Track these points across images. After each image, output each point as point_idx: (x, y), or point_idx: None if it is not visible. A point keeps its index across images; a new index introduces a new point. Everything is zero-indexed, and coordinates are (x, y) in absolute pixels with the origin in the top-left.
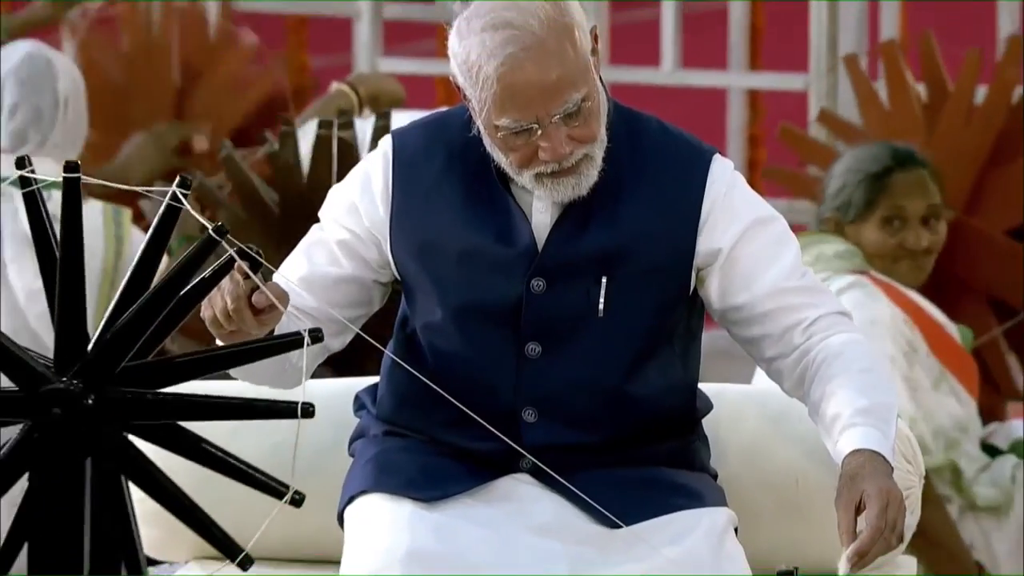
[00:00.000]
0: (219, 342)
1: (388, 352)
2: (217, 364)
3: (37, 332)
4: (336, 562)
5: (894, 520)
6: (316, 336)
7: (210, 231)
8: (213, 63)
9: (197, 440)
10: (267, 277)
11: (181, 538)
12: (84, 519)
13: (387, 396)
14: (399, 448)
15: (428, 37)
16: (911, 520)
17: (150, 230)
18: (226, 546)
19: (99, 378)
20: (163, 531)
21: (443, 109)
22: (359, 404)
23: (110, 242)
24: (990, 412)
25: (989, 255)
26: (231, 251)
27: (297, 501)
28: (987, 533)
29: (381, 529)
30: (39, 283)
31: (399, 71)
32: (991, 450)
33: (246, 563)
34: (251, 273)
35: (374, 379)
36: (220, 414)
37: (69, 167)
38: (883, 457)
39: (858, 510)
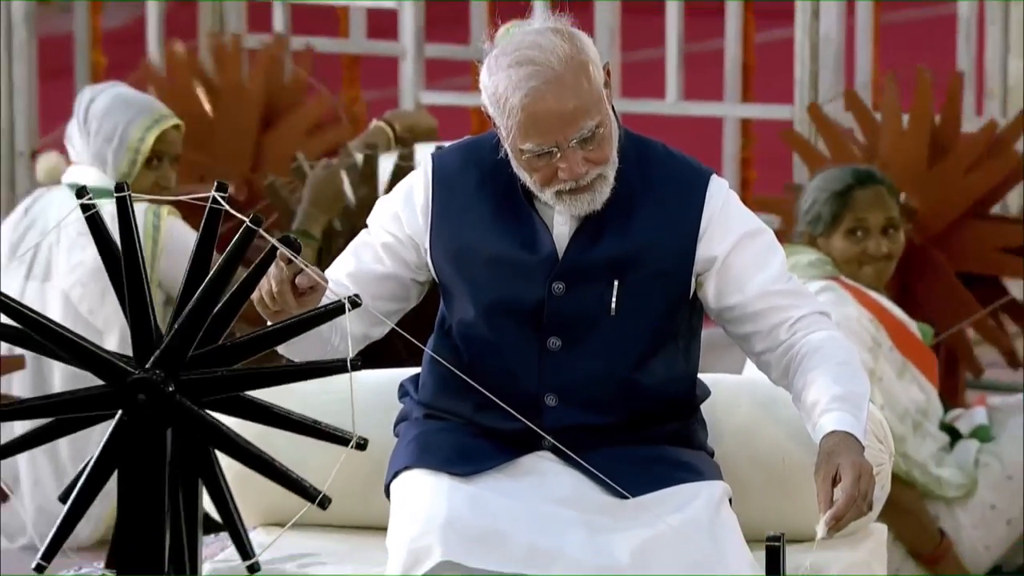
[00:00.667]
0: (269, 323)
1: (427, 349)
2: (270, 341)
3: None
4: (383, 528)
5: (866, 490)
6: (355, 301)
7: (247, 223)
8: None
9: (266, 406)
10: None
11: (249, 505)
12: (164, 491)
13: (427, 384)
14: (437, 429)
15: (463, 74)
16: (880, 493)
17: (199, 232)
18: (305, 490)
19: (174, 365)
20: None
21: (476, 135)
22: (403, 391)
23: (148, 231)
24: (951, 397)
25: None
26: (273, 240)
27: (361, 445)
28: (952, 507)
29: (422, 500)
30: None
31: (438, 103)
32: (953, 432)
33: (325, 502)
34: (294, 257)
35: (416, 370)
36: (281, 380)
37: (118, 187)
38: (856, 437)
39: (834, 482)
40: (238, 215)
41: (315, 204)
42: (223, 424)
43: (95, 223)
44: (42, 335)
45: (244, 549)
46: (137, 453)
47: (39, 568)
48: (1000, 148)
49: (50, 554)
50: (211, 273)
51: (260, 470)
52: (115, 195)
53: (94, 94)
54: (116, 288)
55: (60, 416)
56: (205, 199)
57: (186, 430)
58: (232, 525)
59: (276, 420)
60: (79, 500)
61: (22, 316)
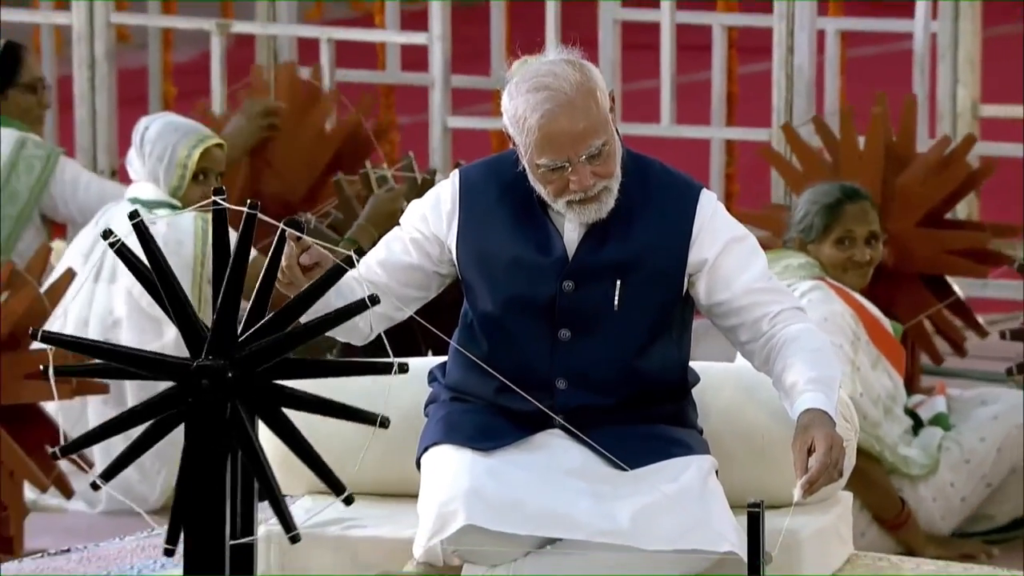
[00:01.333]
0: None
1: (452, 341)
2: (308, 335)
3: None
4: (414, 496)
5: (836, 459)
6: (374, 299)
7: (246, 211)
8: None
9: (306, 394)
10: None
11: (299, 476)
12: (227, 461)
13: (453, 370)
14: (462, 410)
15: (485, 101)
16: (847, 464)
17: (237, 236)
18: (335, 484)
19: (225, 350)
20: (285, 470)
21: (498, 153)
22: (432, 377)
23: (198, 234)
24: (908, 383)
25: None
26: (279, 224)
27: (385, 423)
28: (915, 483)
29: (449, 471)
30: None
31: (462, 127)
32: (915, 416)
33: (349, 501)
34: (301, 235)
35: (443, 358)
36: (329, 373)
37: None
38: (828, 414)
39: (809, 452)
40: (236, 208)
41: (371, 220)
42: (280, 390)
43: (142, 238)
44: (114, 360)
45: (285, 521)
46: (204, 430)
47: (95, 486)
48: (951, 163)
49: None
50: (231, 261)
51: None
52: (213, 208)
53: (148, 122)
54: (160, 286)
55: (146, 421)
56: (251, 208)
57: (246, 401)
58: (273, 497)
59: (314, 405)
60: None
61: (98, 351)
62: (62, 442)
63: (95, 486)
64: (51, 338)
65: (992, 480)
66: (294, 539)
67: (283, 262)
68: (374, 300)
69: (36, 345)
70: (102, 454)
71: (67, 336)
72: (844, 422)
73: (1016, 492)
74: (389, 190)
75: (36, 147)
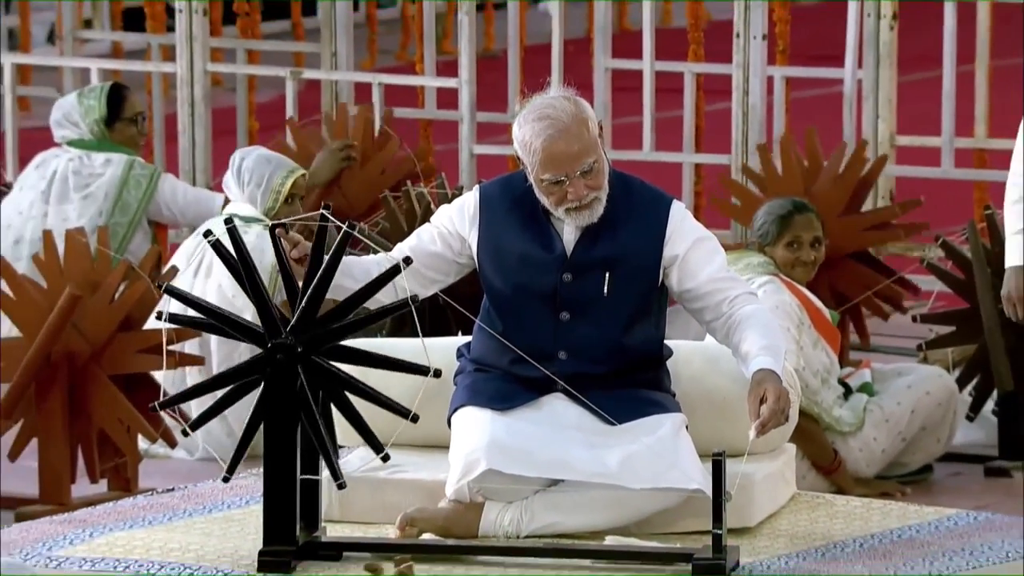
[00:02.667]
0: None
1: (478, 320)
2: (354, 303)
3: None
4: (446, 447)
5: (784, 407)
6: (408, 260)
7: (268, 225)
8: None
9: (366, 352)
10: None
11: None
12: (299, 418)
13: (476, 347)
14: (483, 378)
15: (504, 133)
16: (791, 415)
17: (313, 243)
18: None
19: (299, 332)
20: (342, 426)
21: (511, 172)
22: (459, 353)
23: None
24: (843, 360)
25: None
26: (278, 233)
27: (438, 373)
28: (846, 438)
29: (473, 427)
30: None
31: (486, 153)
32: (846, 386)
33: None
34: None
35: (468, 338)
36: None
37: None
38: (776, 373)
39: (761, 401)
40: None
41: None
42: (339, 370)
43: (234, 241)
44: (219, 321)
45: (333, 469)
46: (277, 394)
47: (185, 433)
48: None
49: (232, 468)
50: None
51: (368, 399)
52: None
53: (243, 155)
54: (242, 283)
55: (231, 384)
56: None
57: (311, 374)
58: (326, 451)
59: (373, 360)
60: (249, 429)
61: (206, 309)
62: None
63: (185, 433)
64: (175, 292)
65: (906, 436)
66: (341, 486)
67: (292, 255)
68: (408, 261)
69: (147, 326)
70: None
71: (188, 295)
72: (789, 388)
73: (924, 445)
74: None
75: (142, 168)
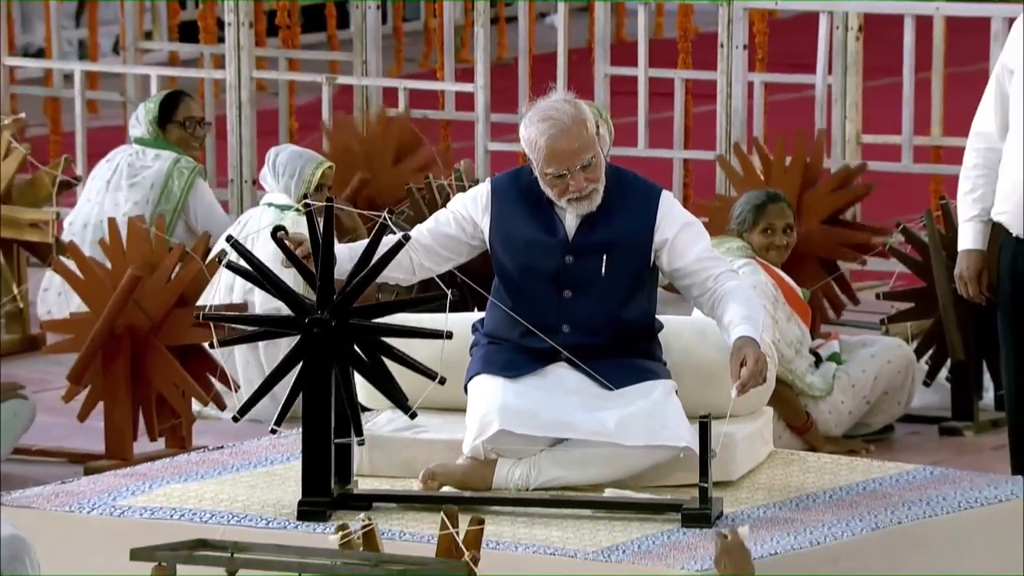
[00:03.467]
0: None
1: (491, 297)
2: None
3: None
4: (462, 410)
5: (762, 368)
6: (407, 237)
7: (221, 262)
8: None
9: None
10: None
11: (380, 395)
12: (332, 385)
13: (489, 321)
14: (496, 350)
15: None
16: (769, 377)
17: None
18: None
19: (336, 312)
20: (369, 391)
21: (519, 167)
22: (474, 327)
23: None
24: (814, 332)
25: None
26: (280, 236)
27: (450, 335)
28: (817, 402)
29: (486, 392)
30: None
31: (499, 149)
32: (817, 355)
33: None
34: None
35: (482, 314)
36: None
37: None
38: (755, 340)
39: (742, 364)
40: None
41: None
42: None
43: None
44: (267, 280)
45: (359, 428)
46: (315, 362)
47: (235, 419)
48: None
49: (245, 410)
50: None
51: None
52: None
53: (276, 151)
54: (261, 286)
55: (268, 328)
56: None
57: (342, 342)
58: (354, 411)
59: (397, 331)
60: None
61: (260, 268)
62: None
63: (235, 419)
64: (212, 316)
65: (870, 399)
66: (360, 443)
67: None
68: (407, 239)
69: (200, 302)
70: (245, 379)
71: (226, 312)
72: (767, 357)
73: (886, 408)
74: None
75: (186, 162)
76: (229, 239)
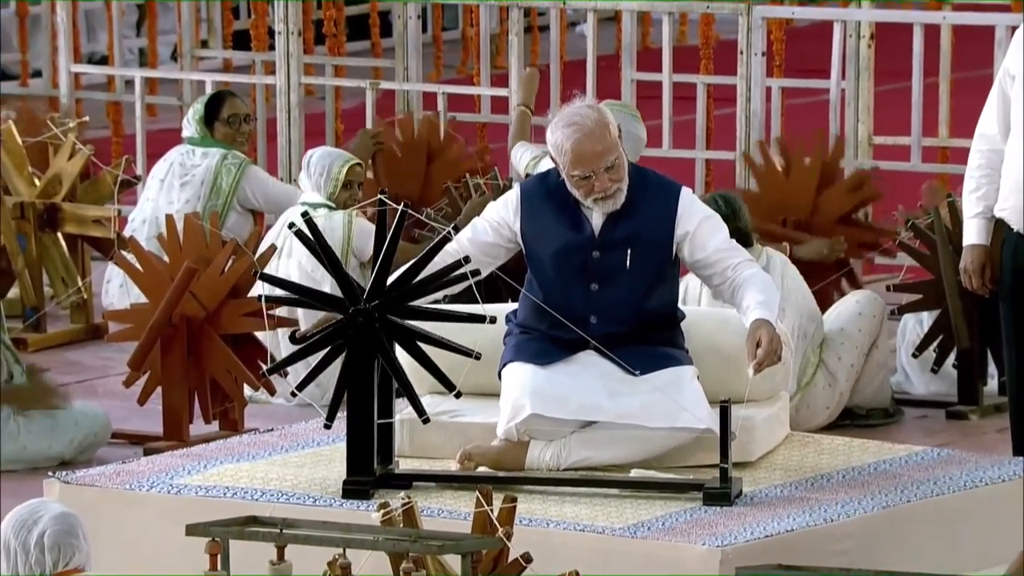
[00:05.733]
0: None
1: (523, 290)
2: (422, 289)
3: None
4: (497, 395)
5: (777, 348)
6: (467, 259)
7: (290, 230)
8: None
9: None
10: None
11: (422, 381)
12: (375, 370)
13: (521, 312)
14: (527, 339)
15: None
16: (783, 370)
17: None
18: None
19: (378, 303)
20: (412, 378)
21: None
22: (507, 318)
23: (345, 224)
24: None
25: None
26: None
27: (493, 320)
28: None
29: (519, 379)
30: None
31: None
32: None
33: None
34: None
35: (515, 305)
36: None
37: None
38: (770, 322)
39: (757, 344)
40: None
41: (466, 219)
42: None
43: (313, 229)
44: (311, 298)
45: (419, 409)
46: (360, 350)
47: (293, 394)
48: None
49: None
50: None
51: (439, 346)
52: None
53: (311, 153)
54: (322, 261)
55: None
56: (374, 205)
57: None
58: (411, 393)
59: (438, 315)
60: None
61: (302, 289)
62: (269, 359)
63: (293, 394)
64: (268, 278)
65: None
66: (425, 421)
67: None
68: (467, 260)
69: (251, 294)
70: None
71: (278, 279)
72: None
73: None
74: (481, 195)
75: (234, 158)
76: (305, 215)
